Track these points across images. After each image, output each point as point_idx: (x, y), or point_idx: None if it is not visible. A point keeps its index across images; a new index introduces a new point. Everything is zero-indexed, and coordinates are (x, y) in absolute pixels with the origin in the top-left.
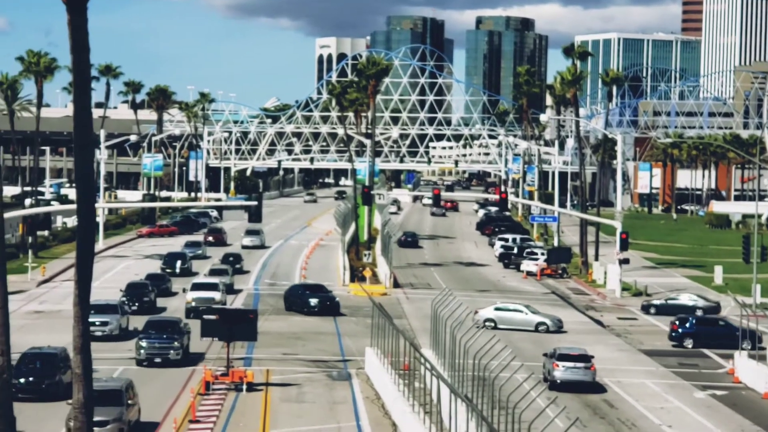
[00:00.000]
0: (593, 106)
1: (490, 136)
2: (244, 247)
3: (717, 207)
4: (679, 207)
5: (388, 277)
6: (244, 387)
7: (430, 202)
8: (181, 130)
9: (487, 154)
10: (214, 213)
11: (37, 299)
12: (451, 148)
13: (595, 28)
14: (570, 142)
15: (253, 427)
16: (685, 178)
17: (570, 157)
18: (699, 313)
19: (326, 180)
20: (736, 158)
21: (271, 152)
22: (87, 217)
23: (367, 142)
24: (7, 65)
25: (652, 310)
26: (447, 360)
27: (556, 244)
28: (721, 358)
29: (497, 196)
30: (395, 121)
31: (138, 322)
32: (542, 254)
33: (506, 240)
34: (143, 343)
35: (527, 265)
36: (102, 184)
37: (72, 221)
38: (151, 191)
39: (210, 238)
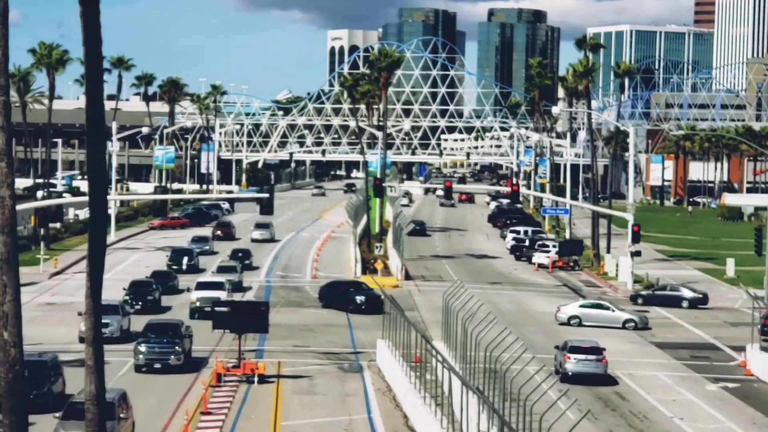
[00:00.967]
0: (605, 98)
1: (502, 129)
2: (254, 240)
3: (729, 199)
4: (691, 199)
5: (400, 270)
6: (256, 379)
7: (441, 189)
8: (192, 122)
9: (498, 146)
10: (226, 205)
11: (49, 291)
12: (462, 140)
13: (607, 20)
14: (582, 135)
15: (264, 419)
16: (697, 171)
17: (582, 149)
18: (684, 305)
19: (338, 172)
20: (749, 150)
21: (282, 144)
22: (99, 209)
23: (379, 134)
24: (20, 57)
25: (640, 300)
26: (458, 352)
27: (567, 236)
28: (733, 351)
29: (509, 189)
30: (407, 113)
31: (142, 322)
32: (554, 246)
33: (518, 232)
34: (142, 348)
35: (539, 258)
36: (114, 177)
37: (84, 213)
38: (163, 183)
39: (218, 233)
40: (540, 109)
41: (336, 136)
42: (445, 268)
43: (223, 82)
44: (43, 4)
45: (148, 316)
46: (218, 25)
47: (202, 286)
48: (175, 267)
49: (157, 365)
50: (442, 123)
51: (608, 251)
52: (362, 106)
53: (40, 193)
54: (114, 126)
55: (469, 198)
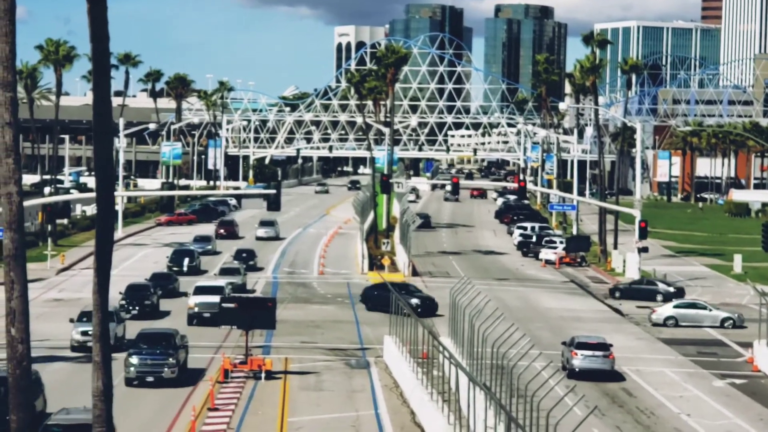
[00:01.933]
0: (612, 94)
1: (509, 125)
2: (258, 238)
3: (736, 195)
4: (698, 195)
5: (407, 266)
6: (263, 375)
7: (448, 184)
8: (200, 118)
9: (505, 142)
10: (233, 201)
11: (57, 287)
12: (469, 136)
13: (614, 16)
14: (589, 131)
15: (271, 415)
16: (704, 167)
17: (589, 145)
18: (659, 298)
19: (345, 168)
20: (756, 146)
21: (289, 141)
22: (106, 205)
23: (386, 130)
24: (27, 54)
25: (617, 294)
26: (465, 348)
27: (574, 232)
28: (740, 347)
29: (516, 185)
30: (414, 109)
31: (138, 328)
32: (561, 243)
33: (525, 228)
34: (133, 360)
35: (546, 254)
36: (121, 173)
37: (91, 209)
38: (170, 179)
39: (221, 231)
40: (547, 105)
41: (343, 132)
42: (452, 264)
43: (231, 78)
44: (50, 1)
45: (144, 322)
46: (225, 21)
47: (200, 290)
48: (175, 268)
49: (150, 378)
50: (449, 119)
51: (615, 247)
52: (369, 102)
53: (47, 190)
54: (121, 122)
55: (481, 194)
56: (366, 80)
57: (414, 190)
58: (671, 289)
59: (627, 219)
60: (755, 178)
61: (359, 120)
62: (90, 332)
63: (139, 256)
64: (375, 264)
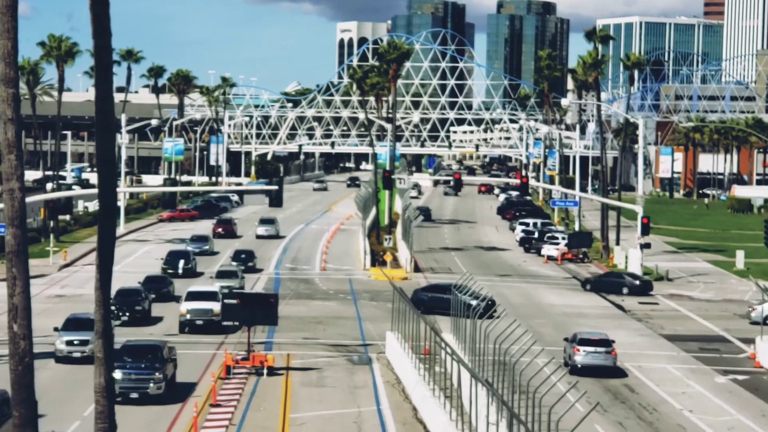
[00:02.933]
0: (615, 90)
1: (511, 121)
2: (259, 236)
3: (739, 191)
4: (700, 191)
5: (409, 262)
6: (265, 371)
7: (450, 181)
8: (202, 114)
9: (508, 138)
10: (235, 197)
11: (59, 283)
12: (471, 132)
13: (617, 12)
14: (591, 127)
15: (273, 411)
16: (706, 163)
17: (591, 141)
18: (624, 291)
19: (347, 164)
20: (758, 142)
21: (291, 137)
22: (108, 201)
23: (388, 126)
24: (29, 50)
25: (588, 286)
26: (467, 344)
27: (577, 228)
28: (742, 343)
29: (518, 181)
30: (416, 105)
31: (129, 335)
32: (563, 239)
33: (527, 224)
34: (117, 375)
35: (548, 250)
36: (123, 169)
37: (93, 205)
38: (172, 175)
39: (219, 230)
40: (549, 101)
41: (345, 128)
42: (454, 260)
43: (233, 74)
44: None
45: (135, 328)
46: (228, 17)
47: (193, 296)
48: (170, 271)
49: (134, 395)
50: (451, 115)
51: (617, 243)
52: (371, 98)
53: (49, 186)
54: (123, 118)
55: (489, 189)
56: (368, 76)
57: (416, 186)
58: (636, 283)
59: (629, 215)
60: (758, 174)
61: (361, 116)
62: (75, 342)
63: (141, 253)
64: (377, 260)
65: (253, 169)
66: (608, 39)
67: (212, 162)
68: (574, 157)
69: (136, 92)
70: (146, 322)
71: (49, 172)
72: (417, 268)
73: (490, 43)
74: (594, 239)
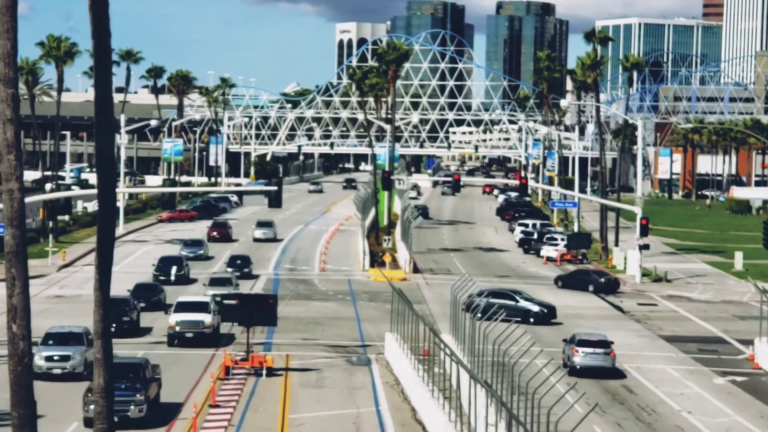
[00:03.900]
0: (614, 91)
1: (511, 122)
2: (256, 240)
3: (737, 192)
4: (699, 192)
5: (408, 263)
6: (264, 372)
7: (449, 182)
8: (201, 115)
9: (507, 139)
10: (234, 198)
11: (58, 284)
12: (471, 133)
13: (616, 13)
14: (590, 128)
15: (272, 412)
16: (705, 164)
17: (590, 142)
18: (590, 288)
19: (346, 165)
20: (757, 143)
21: (291, 137)
22: (108, 201)
23: (387, 127)
24: (28, 50)
25: (560, 283)
26: (466, 345)
27: (576, 229)
28: (741, 344)
29: (517, 182)
30: (415, 106)
31: (116, 349)
32: (562, 240)
33: (526, 225)
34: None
35: (547, 251)
36: (122, 169)
37: (92, 206)
38: (171, 176)
39: (214, 234)
40: (549, 102)
41: (344, 128)
42: (453, 261)
43: (232, 74)
44: None
45: (122, 340)
46: (227, 17)
47: (182, 307)
48: (162, 278)
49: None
50: (451, 116)
51: (616, 244)
52: (371, 99)
53: (48, 186)
54: (122, 118)
55: (492, 190)
56: (367, 77)
57: (415, 186)
58: (602, 280)
59: (628, 216)
60: (756, 176)
61: (361, 117)
62: (56, 357)
63: (140, 253)
64: (376, 261)
65: (252, 169)
66: (607, 40)
67: (211, 163)
68: (573, 158)
69: (136, 93)
70: (134, 334)
71: (48, 173)
72: (416, 269)
73: (490, 44)
74: (593, 240)
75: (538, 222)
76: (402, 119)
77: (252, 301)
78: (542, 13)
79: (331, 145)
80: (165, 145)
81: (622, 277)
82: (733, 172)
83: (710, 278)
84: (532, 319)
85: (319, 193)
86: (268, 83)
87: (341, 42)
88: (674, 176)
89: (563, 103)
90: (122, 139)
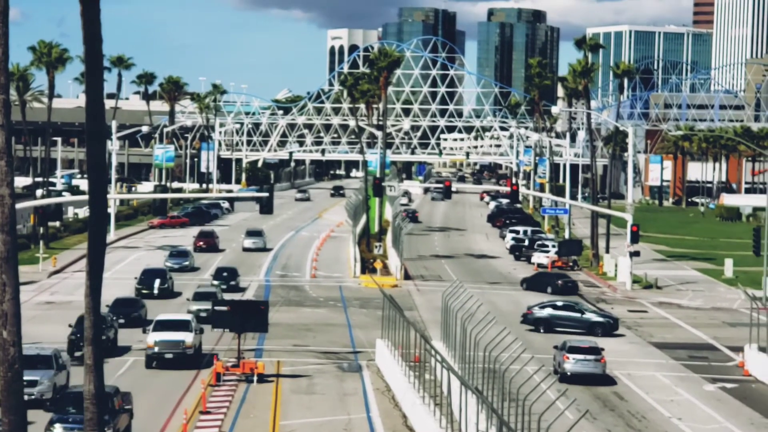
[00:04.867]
0: (604, 98)
1: (502, 128)
2: (245, 249)
3: (728, 200)
4: (689, 199)
5: (399, 269)
6: (255, 378)
7: (439, 188)
8: (192, 121)
9: (498, 146)
10: (226, 204)
11: (48, 290)
12: (462, 140)
13: (606, 20)
14: (581, 135)
15: (263, 418)
16: (695, 171)
17: (581, 149)
18: (548, 290)
19: (337, 172)
20: (747, 151)
21: (282, 144)
22: (99, 207)
23: (379, 133)
24: (19, 56)
25: (524, 285)
26: (457, 352)
27: (567, 236)
28: (731, 351)
29: (508, 188)
30: (407, 112)
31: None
32: (553, 246)
33: (517, 232)
34: (57, 429)
35: (538, 258)
36: (114, 175)
37: (83, 212)
38: (163, 182)
39: (200, 244)
40: (539, 109)
41: (335, 135)
42: (444, 267)
43: (223, 81)
44: (43, 3)
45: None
46: (218, 23)
47: (162, 325)
48: (145, 291)
49: None
50: (442, 122)
51: (607, 251)
52: (362, 106)
53: (39, 192)
54: (114, 125)
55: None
56: (359, 83)
57: (406, 193)
58: (559, 282)
59: (619, 223)
60: (746, 183)
61: (352, 123)
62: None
63: (131, 259)
64: (367, 267)
65: (243, 176)
66: (598, 47)
67: (203, 169)
68: (564, 165)
69: (127, 99)
70: (111, 353)
71: (39, 179)
72: (407, 276)
73: (481, 51)
74: (584, 247)
75: (529, 229)
76: (393, 126)
77: (243, 307)
78: (533, 20)
79: (323, 152)
80: (156, 151)
81: (613, 284)
82: (723, 179)
83: (700, 285)
84: (599, 330)
85: (306, 201)
86: (260, 89)
87: (332, 48)
88: (665, 183)
89: (554, 110)
90: (113, 145)
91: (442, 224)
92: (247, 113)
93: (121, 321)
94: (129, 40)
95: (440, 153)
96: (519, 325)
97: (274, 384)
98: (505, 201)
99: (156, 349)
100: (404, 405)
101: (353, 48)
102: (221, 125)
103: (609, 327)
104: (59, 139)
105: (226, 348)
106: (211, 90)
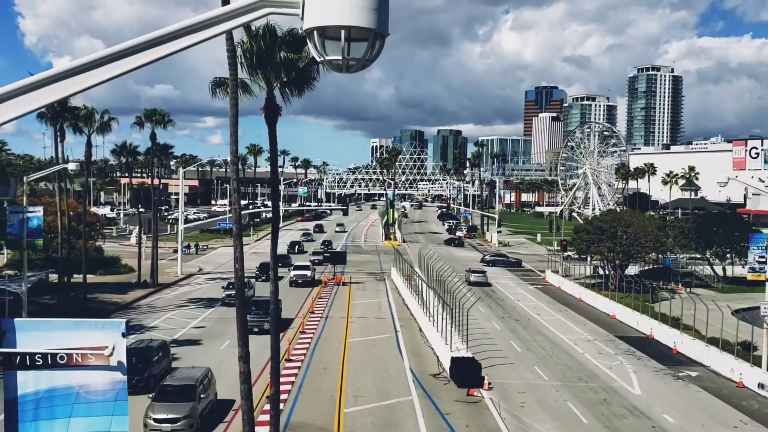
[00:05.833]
0: (487, 166)
1: (444, 180)
2: (336, 231)
3: (538, 208)
4: (522, 209)
5: (401, 238)
6: (341, 284)
7: (417, 204)
8: (312, 176)
9: (443, 188)
10: (329, 211)
11: (254, 247)
12: (426, 184)
13: (486, 133)
14: (476, 182)
15: (344, 299)
16: (525, 196)
17: (478, 188)
18: (454, 244)
19: (375, 198)
20: (546, 188)
21: (352, 185)
22: (275, 213)
23: (392, 182)
24: (241, 148)
25: (453, 243)
26: (425, 272)
27: (470, 224)
28: (540, 272)
29: (446, 205)
30: (404, 173)
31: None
32: (465, 228)
33: (450, 222)
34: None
35: (458, 233)
36: (281, 200)
37: (269, 215)
38: (302, 202)
39: (316, 229)
40: (460, 171)
41: (373, 183)
42: (419, 237)
43: (327, 160)
44: (250, 124)
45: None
46: (322, 134)
47: (295, 267)
48: (290, 251)
49: None
50: (418, 178)
51: (487, 230)
52: (385, 170)
53: (251, 206)
54: (282, 180)
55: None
56: (384, 161)
57: (404, 207)
58: (457, 242)
59: (492, 218)
60: (546, 202)
61: (381, 177)
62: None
63: (287, 236)
64: (388, 237)
65: (337, 199)
66: (483, 145)
67: (320, 196)
68: (468, 195)
69: (286, 168)
70: (267, 279)
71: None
72: (404, 241)
73: (435, 147)
74: (477, 228)
75: (454, 221)
76: (399, 178)
77: (335, 254)
78: (456, 133)
79: (369, 189)
80: (300, 188)
81: (489, 244)
82: (536, 200)
83: (526, 245)
84: (515, 264)
85: (360, 211)
86: (341, 162)
87: (373, 146)
88: (511, 201)
89: (466, 172)
90: (282, 188)
91: (418, 219)
92: (337, 173)
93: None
94: (283, 141)
95: (418, 190)
96: (451, 261)
97: (348, 286)
98: (445, 209)
99: (294, 277)
100: (404, 294)
101: (381, 146)
102: (324, 179)
103: (517, 263)
104: (259, 185)
105: (330, 271)
106: (322, 165)
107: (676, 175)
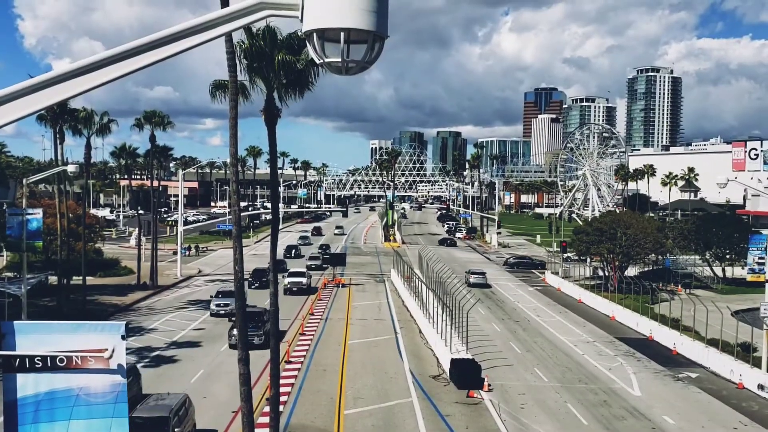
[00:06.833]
0: (487, 167)
1: (443, 181)
2: (335, 235)
3: (537, 210)
4: (522, 211)
5: (400, 240)
6: (341, 285)
7: (416, 205)
8: (312, 178)
9: (442, 189)
10: (328, 213)
11: (254, 249)
12: (426, 185)
13: (486, 135)
14: (476, 183)
15: (344, 300)
16: (525, 198)
17: (477, 189)
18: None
19: (374, 200)
20: (546, 189)
21: (351, 187)
22: (275, 214)
23: (392, 184)
24: (240, 149)
25: (451, 243)
26: (425, 273)
27: (470, 225)
28: (539, 273)
29: (445, 207)
30: (404, 174)
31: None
32: (465, 229)
33: (449, 224)
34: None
35: (458, 234)
36: (281, 201)
37: (268, 216)
38: (301, 204)
39: (314, 232)
40: (460, 173)
41: (373, 184)
42: (419, 238)
43: (327, 161)
44: (249, 126)
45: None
46: (322, 136)
47: (291, 274)
48: (287, 255)
49: None
50: (418, 179)
51: (487, 231)
52: (384, 172)
53: (250, 209)
54: (281, 182)
55: (442, 209)
56: (383, 163)
57: (403, 208)
58: (512, 261)
59: (492, 220)
60: (546, 204)
61: (380, 179)
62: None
63: (286, 238)
64: (387, 239)
65: (337, 200)
66: (482, 147)
67: (320, 197)
68: (468, 196)
69: (285, 169)
70: (266, 287)
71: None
72: (403, 242)
73: (435, 148)
74: (477, 229)
75: (454, 222)
76: (398, 180)
77: (335, 256)
78: (456, 134)
79: (368, 191)
80: (299, 190)
81: (489, 245)
82: (536, 201)
83: (526, 246)
84: (539, 266)
85: (359, 213)
86: (341, 163)
87: (373, 148)
88: (511, 203)
89: (466, 173)
90: (282, 190)
91: (418, 221)
92: (337, 175)
93: (285, 264)
94: (282, 143)
95: (417, 191)
96: (450, 262)
97: (348, 287)
98: (444, 211)
99: (288, 285)
100: (403, 296)
101: (381, 147)
102: (325, 180)
103: (541, 264)
104: (258, 186)
105: (329, 273)
106: (321, 166)
107: (676, 176)
